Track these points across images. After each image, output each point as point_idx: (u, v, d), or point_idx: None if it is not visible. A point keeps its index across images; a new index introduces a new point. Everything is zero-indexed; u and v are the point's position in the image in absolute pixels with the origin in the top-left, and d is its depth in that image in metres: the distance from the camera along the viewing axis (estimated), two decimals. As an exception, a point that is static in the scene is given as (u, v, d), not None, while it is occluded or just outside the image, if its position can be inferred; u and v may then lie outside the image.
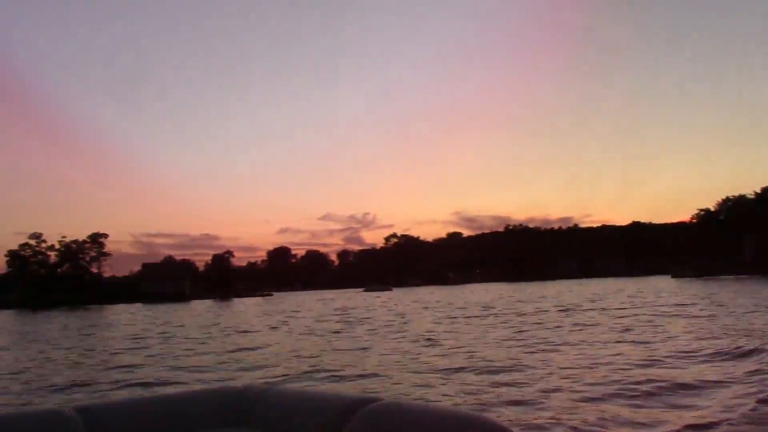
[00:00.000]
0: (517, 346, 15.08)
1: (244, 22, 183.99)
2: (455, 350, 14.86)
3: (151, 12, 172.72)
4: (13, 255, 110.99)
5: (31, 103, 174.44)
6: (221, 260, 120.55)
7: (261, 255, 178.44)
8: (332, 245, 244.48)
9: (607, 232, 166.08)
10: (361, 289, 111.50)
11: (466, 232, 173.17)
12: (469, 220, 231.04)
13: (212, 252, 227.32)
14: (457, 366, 11.98)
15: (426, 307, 38.58)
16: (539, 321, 23.10)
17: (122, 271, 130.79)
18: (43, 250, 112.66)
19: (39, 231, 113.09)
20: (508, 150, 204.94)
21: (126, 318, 44.52)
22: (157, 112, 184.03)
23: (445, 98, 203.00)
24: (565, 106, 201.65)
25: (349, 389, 9.93)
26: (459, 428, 2.21)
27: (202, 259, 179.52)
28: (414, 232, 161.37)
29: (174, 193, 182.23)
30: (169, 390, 10.29)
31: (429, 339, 17.84)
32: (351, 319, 30.00)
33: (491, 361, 12.58)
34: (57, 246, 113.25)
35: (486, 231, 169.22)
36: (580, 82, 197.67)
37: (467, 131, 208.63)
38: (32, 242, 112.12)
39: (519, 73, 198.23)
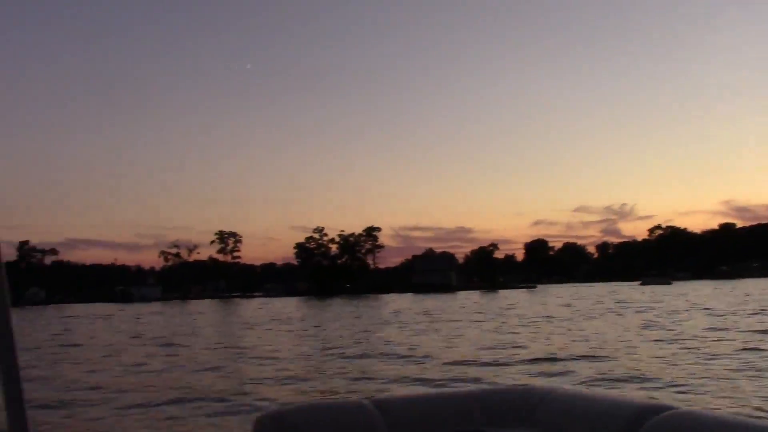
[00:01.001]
0: None
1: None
2: None
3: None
4: (300, 247, 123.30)
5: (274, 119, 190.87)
6: (485, 252, 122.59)
7: (514, 247, 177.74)
8: (588, 237, 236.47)
9: None
10: (637, 283, 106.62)
11: (738, 223, 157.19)
12: (741, 210, 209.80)
13: (466, 244, 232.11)
14: None
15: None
16: None
17: (384, 263, 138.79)
18: (325, 243, 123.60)
19: (311, 225, 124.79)
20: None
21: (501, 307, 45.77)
22: (418, 113, 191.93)
23: (705, 74, 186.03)
24: None
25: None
26: None
27: (458, 251, 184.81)
28: (677, 224, 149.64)
29: (429, 186, 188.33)
30: (457, 387, 11.38)
31: None
32: None
33: None
34: (336, 239, 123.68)
35: (763, 222, 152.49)
36: None
37: (736, 108, 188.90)
38: (315, 236, 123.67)
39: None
